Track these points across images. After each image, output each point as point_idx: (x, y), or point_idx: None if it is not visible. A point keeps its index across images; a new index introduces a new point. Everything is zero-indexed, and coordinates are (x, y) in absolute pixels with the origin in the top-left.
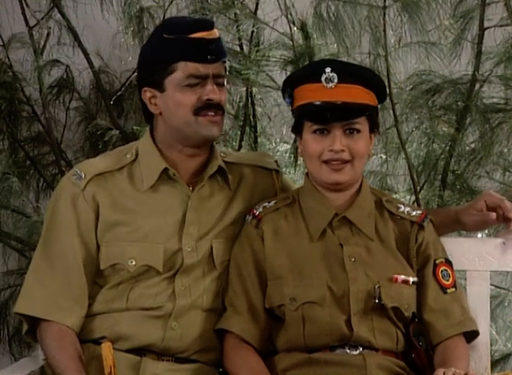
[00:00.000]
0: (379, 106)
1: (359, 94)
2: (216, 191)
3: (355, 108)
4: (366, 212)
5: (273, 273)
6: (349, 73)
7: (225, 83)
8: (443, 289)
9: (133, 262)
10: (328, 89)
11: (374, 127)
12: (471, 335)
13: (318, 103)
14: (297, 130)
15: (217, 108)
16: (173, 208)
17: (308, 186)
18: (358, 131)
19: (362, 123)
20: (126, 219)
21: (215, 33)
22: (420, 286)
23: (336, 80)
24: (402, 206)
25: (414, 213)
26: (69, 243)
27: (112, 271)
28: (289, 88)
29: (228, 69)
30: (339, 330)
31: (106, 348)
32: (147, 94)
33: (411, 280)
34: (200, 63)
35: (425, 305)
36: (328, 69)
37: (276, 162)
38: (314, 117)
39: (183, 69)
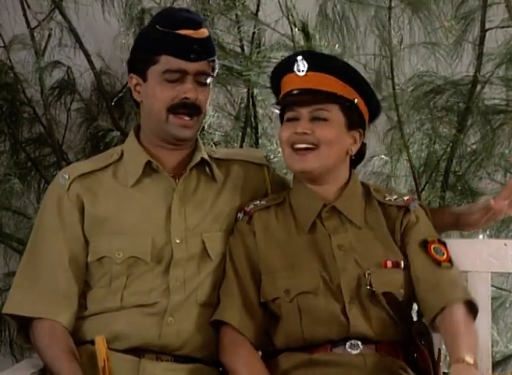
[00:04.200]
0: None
1: (330, 83)
2: (202, 183)
3: (324, 95)
4: (355, 203)
5: (266, 268)
6: (319, 62)
7: (209, 82)
8: (437, 263)
9: (120, 254)
10: (301, 77)
11: (355, 125)
12: (472, 307)
13: (291, 91)
14: (281, 123)
15: (192, 108)
16: (159, 200)
17: (296, 184)
18: (325, 119)
19: (332, 113)
20: (113, 214)
21: (203, 32)
22: (409, 263)
23: (305, 68)
24: (388, 195)
25: (400, 199)
26: (54, 243)
27: (98, 266)
28: (274, 85)
29: (217, 68)
30: (336, 318)
31: (100, 341)
32: (133, 80)
33: (402, 263)
34: (182, 60)
35: (416, 279)
36: (299, 58)
37: (266, 157)
38: (284, 103)
39: (165, 62)
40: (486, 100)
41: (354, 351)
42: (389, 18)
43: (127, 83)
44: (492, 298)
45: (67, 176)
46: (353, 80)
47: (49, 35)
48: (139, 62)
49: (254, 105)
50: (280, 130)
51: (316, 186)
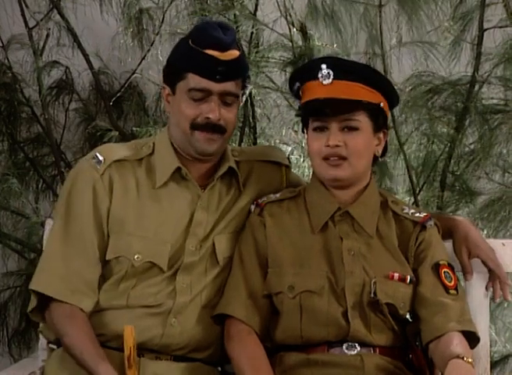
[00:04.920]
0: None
1: (357, 91)
2: (226, 192)
3: (352, 104)
4: (369, 210)
5: (274, 261)
6: (345, 69)
7: (238, 100)
8: (446, 289)
9: (139, 257)
10: (326, 86)
11: (380, 127)
12: (472, 341)
13: (317, 100)
14: (304, 128)
15: (214, 129)
16: (183, 207)
17: (314, 182)
18: (356, 129)
19: (361, 121)
20: (136, 214)
21: (231, 54)
22: (417, 283)
23: (331, 77)
24: (407, 208)
25: (417, 214)
26: (87, 225)
27: (116, 263)
28: (294, 86)
29: (248, 85)
30: (336, 321)
31: (128, 330)
32: (166, 91)
33: (409, 278)
34: (207, 79)
35: (422, 300)
36: (323, 66)
37: (288, 158)
38: (312, 113)
39: (191, 80)
40: (484, 100)
41: (351, 352)
42: (380, 16)
43: (125, 82)
44: (491, 298)
45: (102, 160)
46: (379, 85)
47: (47, 35)
48: (170, 74)
49: (252, 104)
50: (309, 140)
51: (335, 188)
